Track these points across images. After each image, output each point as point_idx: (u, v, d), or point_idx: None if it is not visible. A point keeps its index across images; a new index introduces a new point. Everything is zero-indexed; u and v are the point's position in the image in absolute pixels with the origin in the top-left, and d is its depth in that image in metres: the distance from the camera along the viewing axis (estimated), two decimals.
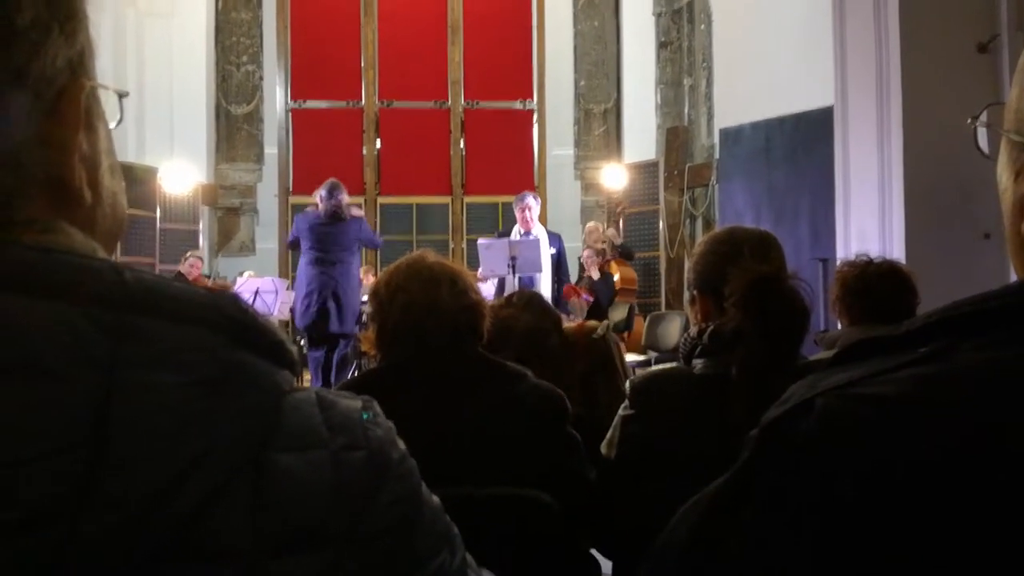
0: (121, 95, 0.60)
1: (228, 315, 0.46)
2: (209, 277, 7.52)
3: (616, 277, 7.00)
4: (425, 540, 0.52)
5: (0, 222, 0.45)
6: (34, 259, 0.43)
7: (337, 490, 0.47)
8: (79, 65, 0.50)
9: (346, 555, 0.46)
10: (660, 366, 1.54)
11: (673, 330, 6.50)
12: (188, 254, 7.60)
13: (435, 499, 0.56)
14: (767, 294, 1.30)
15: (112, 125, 0.59)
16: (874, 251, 3.82)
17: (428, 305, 1.50)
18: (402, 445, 0.54)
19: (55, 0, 0.47)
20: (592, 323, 2.22)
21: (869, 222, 4.35)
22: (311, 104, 9.27)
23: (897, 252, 4.01)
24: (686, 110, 8.79)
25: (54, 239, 0.47)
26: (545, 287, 6.07)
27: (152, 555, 0.40)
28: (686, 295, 1.59)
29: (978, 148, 0.65)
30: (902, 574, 0.48)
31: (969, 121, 0.65)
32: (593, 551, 1.64)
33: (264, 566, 0.43)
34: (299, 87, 9.23)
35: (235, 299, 0.48)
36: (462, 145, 9.30)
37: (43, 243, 0.45)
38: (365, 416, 0.50)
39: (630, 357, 6.47)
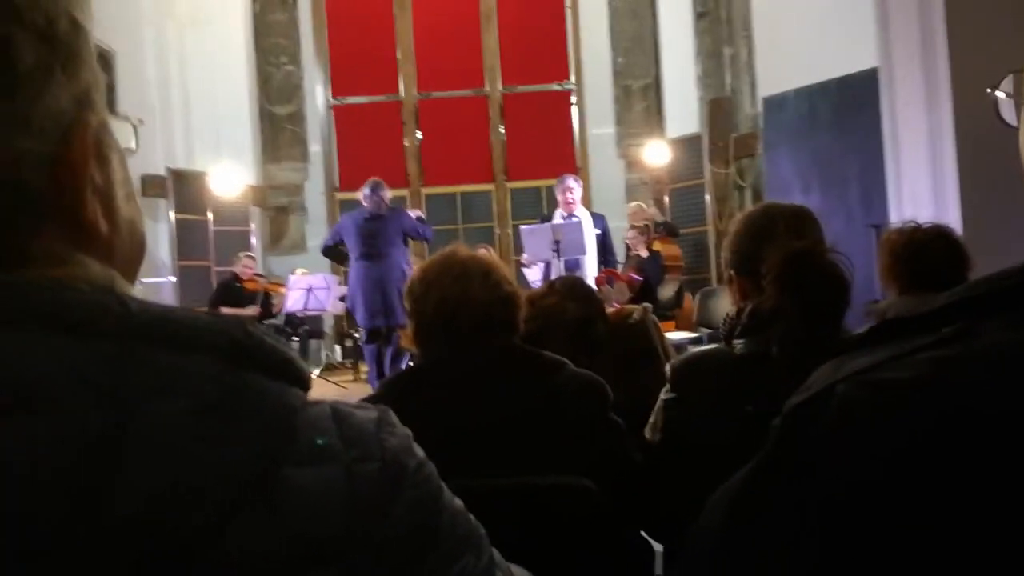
0: (136, 124, 0.62)
1: (234, 339, 0.48)
2: (262, 276, 7.67)
3: (662, 255, 6.94)
4: (445, 545, 0.53)
5: (15, 257, 0.47)
6: (40, 295, 0.44)
7: (351, 503, 0.48)
8: (85, 102, 0.51)
9: (364, 566, 0.47)
10: (700, 348, 1.53)
11: (724, 305, 6.39)
12: (241, 254, 7.77)
13: (457, 502, 0.57)
14: (804, 270, 1.28)
15: (132, 146, 0.61)
16: (928, 215, 3.71)
17: (460, 299, 1.51)
18: (420, 452, 0.55)
19: (55, 41, 0.49)
20: (629, 307, 2.20)
21: (922, 185, 4.22)
22: (351, 100, 9.37)
23: (952, 214, 3.89)
24: (728, 80, 8.62)
25: (70, 271, 0.49)
26: (591, 269, 6.04)
27: (166, 572, 0.42)
28: (724, 275, 1.57)
29: (999, 118, 0.63)
30: (920, 562, 0.47)
31: (988, 90, 0.63)
32: (644, 535, 1.64)
33: None
34: (339, 84, 9.33)
35: (242, 323, 0.49)
36: (502, 131, 9.29)
37: (55, 277, 0.47)
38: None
39: (681, 335, 6.41)
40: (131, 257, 0.57)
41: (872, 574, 0.48)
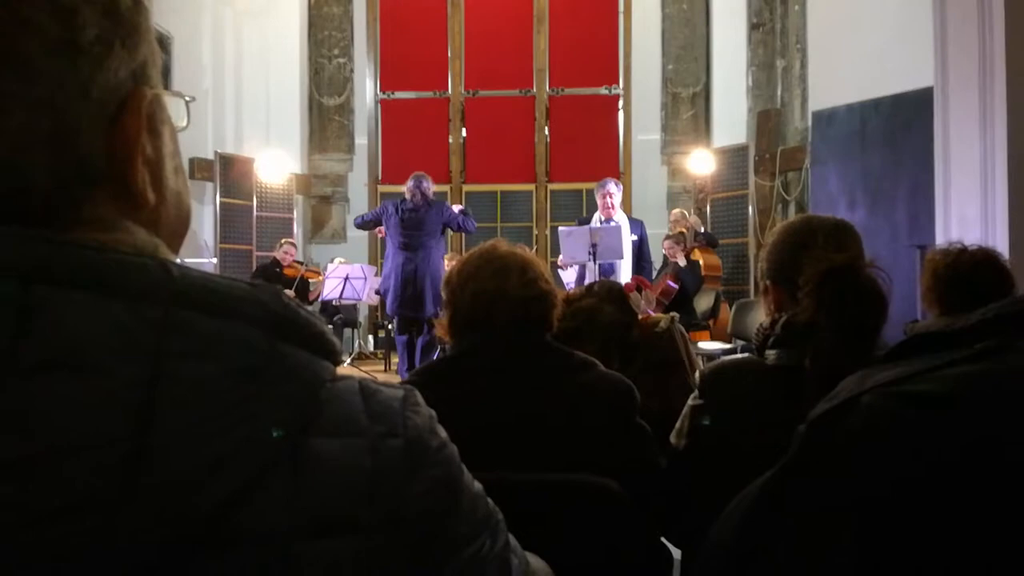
0: (188, 100, 0.64)
1: (269, 308, 0.49)
2: (302, 263, 7.77)
3: (700, 264, 6.89)
4: (463, 525, 0.54)
5: (67, 222, 0.49)
6: (86, 257, 0.46)
7: (374, 476, 0.49)
8: (141, 75, 0.53)
9: (382, 539, 0.48)
10: (732, 356, 1.52)
11: (760, 318, 6.33)
12: (283, 241, 7.87)
13: (477, 485, 0.58)
14: (842, 284, 1.26)
15: (183, 125, 0.63)
16: (975, 238, 3.64)
17: (496, 293, 1.52)
18: (443, 433, 0.56)
19: (117, 16, 0.51)
20: (657, 316, 2.20)
21: (971, 208, 4.14)
22: (399, 95, 9.44)
23: (1000, 239, 3.80)
24: (779, 92, 8.53)
25: (117, 237, 0.51)
26: (625, 274, 6.03)
27: (192, 538, 0.43)
28: (760, 285, 1.56)
29: None
30: (937, 571, 0.47)
31: None
32: (664, 540, 1.64)
33: (301, 549, 0.46)
34: (388, 78, 9.40)
35: (276, 293, 0.50)
36: (547, 132, 9.29)
37: (103, 241, 0.49)
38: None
39: (715, 345, 6.36)
40: (176, 228, 0.59)
41: (904, 570, 0.49)
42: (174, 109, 0.61)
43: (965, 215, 4.15)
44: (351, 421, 0.50)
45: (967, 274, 1.98)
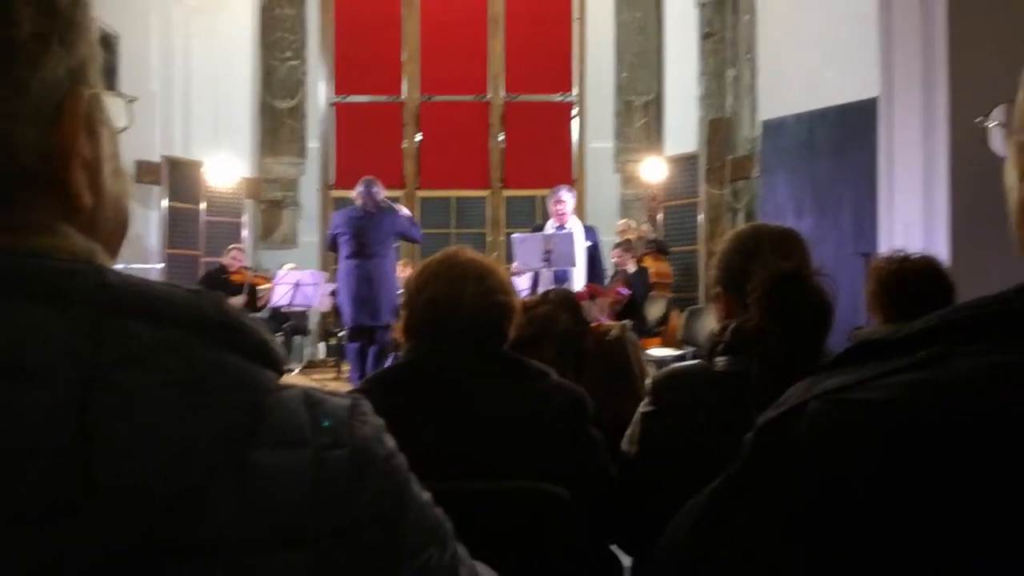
0: (129, 100, 0.62)
1: (209, 316, 0.48)
2: (251, 269, 7.64)
3: (650, 271, 6.96)
4: (411, 536, 0.53)
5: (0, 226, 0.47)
6: (18, 263, 0.44)
7: (318, 487, 0.48)
8: (79, 74, 0.51)
9: (329, 551, 0.47)
10: (682, 363, 1.53)
11: (710, 324, 6.42)
12: (230, 247, 7.74)
13: (425, 495, 0.57)
14: (788, 291, 1.28)
15: (124, 126, 0.61)
16: (918, 246, 3.73)
17: (451, 301, 1.51)
18: (391, 443, 0.55)
19: (54, 12, 0.49)
20: (608, 324, 2.21)
21: (914, 217, 4.25)
22: (353, 98, 9.37)
23: (942, 247, 3.91)
24: (729, 102, 8.67)
25: (51, 242, 0.49)
26: (579, 281, 6.06)
27: (136, 552, 0.42)
28: (711, 292, 1.58)
29: (991, 148, 0.64)
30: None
31: (978, 120, 0.63)
32: (614, 547, 1.64)
33: (249, 563, 0.44)
34: (342, 82, 9.33)
35: (217, 300, 0.49)
36: (501, 138, 9.31)
37: (35, 246, 0.47)
38: (324, 424, 0.51)
39: (666, 351, 6.43)
40: (114, 232, 0.57)
41: None
42: (114, 109, 0.59)
43: (908, 223, 4.26)
44: (295, 431, 0.49)
45: (909, 281, 2.03)
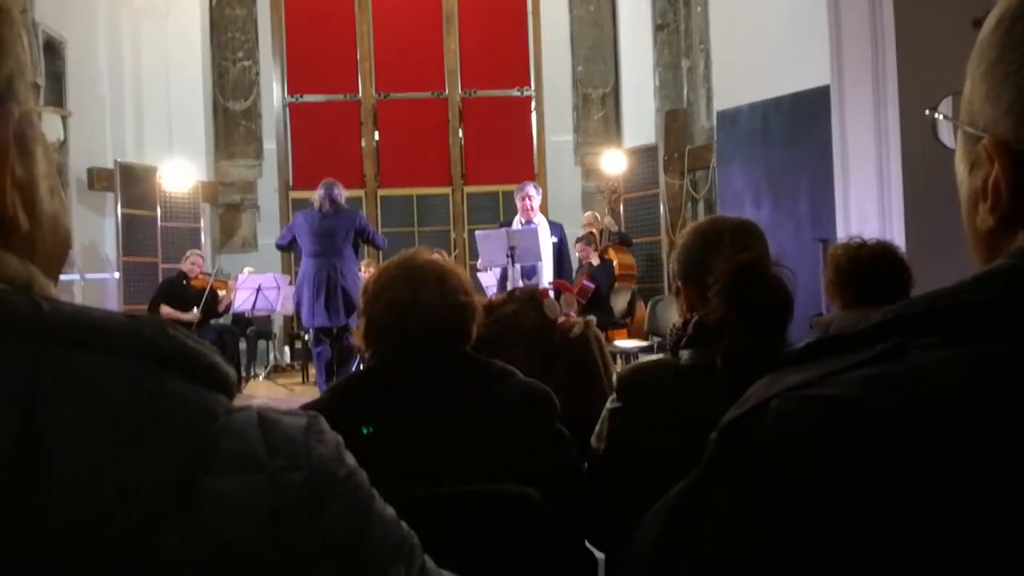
0: (65, 116, 0.60)
1: (153, 341, 0.46)
2: (210, 275, 7.52)
3: (614, 263, 7.00)
4: (375, 555, 0.52)
5: None
6: None
7: (276, 513, 0.46)
8: (7, 91, 0.49)
9: None
10: (647, 359, 1.54)
11: (675, 315, 6.48)
12: (188, 252, 7.60)
13: (389, 511, 0.56)
14: (748, 282, 1.29)
15: (57, 140, 0.59)
16: (873, 231, 3.79)
17: (412, 303, 1.50)
18: (351, 460, 0.54)
19: None
20: (572, 320, 2.21)
21: (868, 202, 4.32)
22: (308, 98, 9.26)
23: (897, 232, 3.98)
24: (685, 92, 8.74)
25: None
26: (546, 276, 6.07)
27: None
28: (673, 286, 1.58)
29: (937, 139, 0.65)
30: (856, 570, 0.48)
31: (928, 112, 0.64)
32: (588, 544, 1.64)
33: None
34: (296, 81, 9.22)
35: (159, 324, 0.47)
36: (461, 135, 9.27)
37: None
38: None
39: (633, 343, 6.47)
40: (53, 254, 0.55)
41: None
42: (49, 125, 0.57)
43: (863, 208, 4.33)
44: (249, 456, 0.47)
45: (867, 267, 2.06)
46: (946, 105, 0.64)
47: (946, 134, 0.65)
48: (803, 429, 0.54)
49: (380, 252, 6.86)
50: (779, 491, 0.54)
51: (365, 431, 1.40)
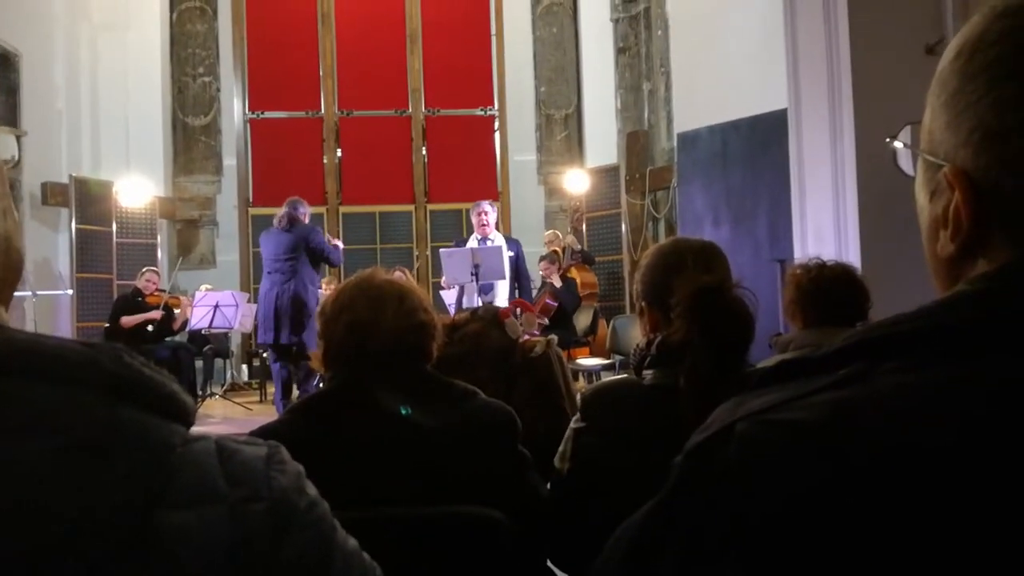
0: (19, 136, 0.58)
1: (109, 371, 0.44)
2: (165, 291, 7.38)
3: (577, 282, 7.03)
4: None
5: None
6: None
7: (236, 546, 0.45)
8: None
9: None
10: (611, 378, 1.54)
11: (637, 333, 6.52)
12: (144, 269, 7.46)
13: (351, 542, 0.55)
14: (711, 304, 1.30)
15: (11, 159, 0.57)
16: (830, 252, 3.86)
17: (372, 324, 1.48)
18: (312, 491, 0.52)
19: None
20: (533, 340, 2.21)
21: (825, 223, 4.40)
22: (269, 114, 9.19)
23: (853, 253, 4.06)
24: (646, 114, 8.85)
25: None
26: (504, 293, 6.08)
27: None
28: (636, 307, 1.59)
29: (897, 166, 0.66)
30: None
31: (888, 140, 0.65)
32: (550, 565, 1.63)
33: None
34: (257, 98, 9.14)
35: (116, 353, 0.46)
36: (424, 153, 9.27)
37: None
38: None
39: (595, 361, 6.48)
40: (5, 278, 0.53)
41: None
42: (3, 144, 0.55)
43: (820, 230, 4.41)
44: (207, 487, 0.46)
45: (827, 288, 2.09)
46: (905, 134, 0.65)
47: (905, 161, 0.66)
48: (767, 454, 0.54)
49: (342, 269, 6.79)
50: (743, 516, 0.53)
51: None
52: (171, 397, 0.47)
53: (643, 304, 1.55)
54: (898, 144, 0.66)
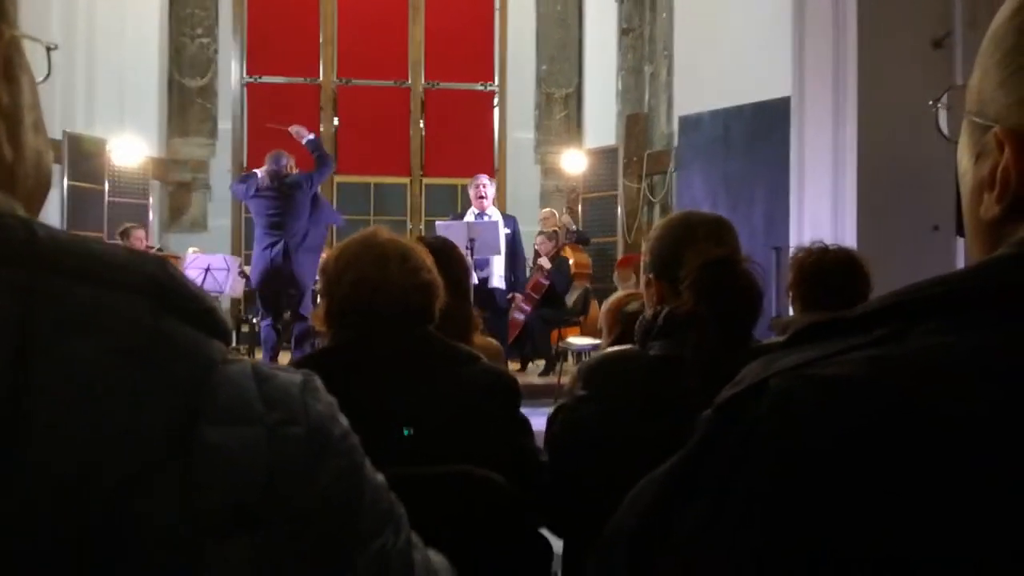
0: (49, 48, 0.56)
1: (154, 279, 0.43)
2: (159, 248, 7.32)
3: (571, 262, 7.03)
4: (367, 520, 0.50)
5: None
6: None
7: (273, 468, 0.44)
8: None
9: (283, 535, 0.44)
10: (615, 348, 1.54)
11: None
12: (126, 226, 7.32)
13: (379, 477, 0.54)
14: (721, 277, 1.30)
15: (40, 79, 0.55)
16: (827, 239, 3.87)
17: (377, 282, 1.46)
18: (344, 421, 0.52)
19: None
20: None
21: (822, 211, 4.42)
22: (267, 79, 9.11)
23: (849, 241, 4.07)
24: (646, 97, 8.81)
25: None
26: (498, 269, 6.08)
27: (76, 538, 0.38)
28: (642, 279, 1.58)
29: (939, 131, 0.65)
30: (847, 560, 0.47)
31: (931, 103, 0.64)
32: (545, 531, 1.64)
33: (198, 548, 0.41)
34: (255, 61, 9.05)
35: (163, 262, 0.45)
36: (422, 125, 9.21)
37: None
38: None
39: (586, 340, 6.49)
40: (34, 191, 0.52)
41: (812, 562, 0.48)
42: (32, 56, 0.54)
43: (817, 218, 4.42)
44: (246, 408, 0.45)
45: (829, 272, 2.09)
46: (949, 96, 0.65)
47: (947, 126, 0.66)
48: (803, 408, 0.53)
49: (334, 234, 6.74)
50: (776, 469, 0.53)
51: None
52: (212, 312, 0.46)
53: (650, 276, 1.54)
54: (940, 107, 0.65)
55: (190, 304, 0.45)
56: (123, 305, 0.41)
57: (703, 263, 1.33)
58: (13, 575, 0.36)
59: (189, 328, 0.44)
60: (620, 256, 8.19)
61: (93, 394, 0.39)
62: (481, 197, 6.20)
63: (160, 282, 0.44)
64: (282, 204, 5.68)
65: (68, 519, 0.37)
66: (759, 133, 6.35)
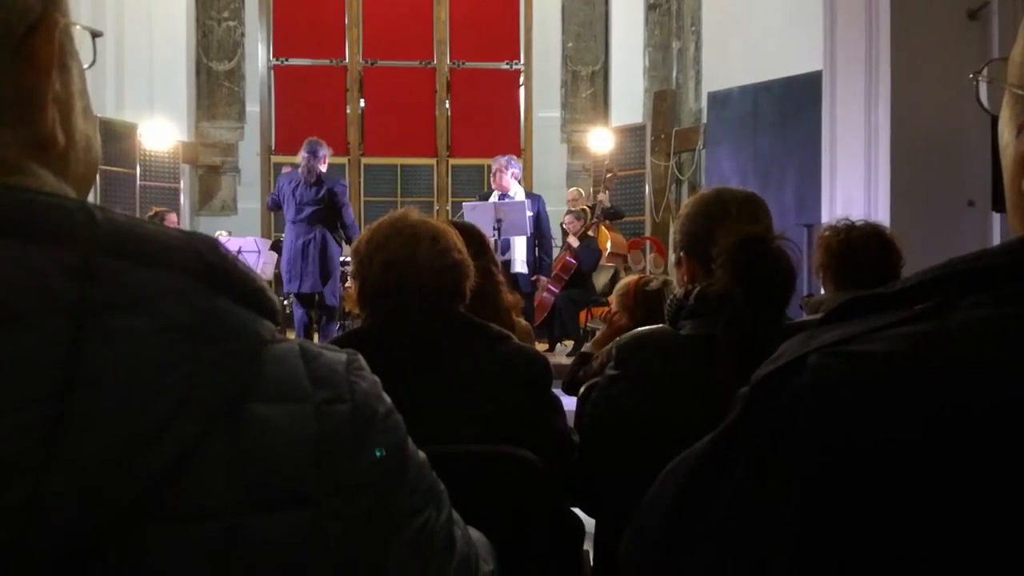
0: (95, 34, 0.57)
1: (206, 260, 0.45)
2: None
3: (608, 243, 6.95)
4: (410, 496, 0.51)
5: None
6: (2, 202, 0.41)
7: (319, 444, 0.45)
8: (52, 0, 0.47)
9: (329, 511, 0.45)
10: (647, 327, 1.53)
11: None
12: (154, 209, 7.38)
13: (421, 455, 0.55)
14: (754, 254, 1.29)
15: (86, 66, 0.56)
16: (859, 216, 3.82)
17: (408, 263, 1.47)
18: (388, 399, 0.53)
19: None
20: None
21: (855, 188, 4.35)
22: (294, 62, 9.12)
23: (882, 218, 4.01)
24: (674, 74, 8.71)
25: (22, 181, 0.45)
26: (521, 249, 6.06)
27: (125, 512, 0.39)
28: (672, 257, 1.58)
29: (980, 104, 0.64)
30: (887, 538, 0.47)
31: (971, 76, 0.63)
32: (577, 510, 1.65)
33: (244, 523, 0.42)
34: (281, 44, 9.07)
35: (214, 243, 0.46)
36: (447, 106, 9.19)
37: (11, 185, 0.43)
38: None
39: None
40: (84, 175, 0.53)
41: (849, 537, 0.48)
42: (80, 45, 0.55)
43: (850, 195, 4.36)
44: (293, 385, 0.46)
45: (858, 248, 2.07)
46: (991, 70, 0.63)
47: (988, 99, 0.65)
48: (844, 384, 0.53)
49: (362, 217, 6.75)
50: (817, 445, 0.53)
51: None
52: (261, 291, 0.47)
53: (681, 253, 1.53)
54: (982, 80, 0.64)
55: (241, 285, 0.46)
56: (176, 285, 0.43)
57: (737, 241, 1.31)
58: (61, 543, 0.37)
59: (240, 308, 0.45)
60: (648, 235, 8.14)
61: (145, 369, 0.40)
62: (504, 180, 6.15)
63: (212, 263, 0.45)
64: (314, 203, 5.73)
65: (116, 493, 0.39)
66: (789, 109, 6.26)
